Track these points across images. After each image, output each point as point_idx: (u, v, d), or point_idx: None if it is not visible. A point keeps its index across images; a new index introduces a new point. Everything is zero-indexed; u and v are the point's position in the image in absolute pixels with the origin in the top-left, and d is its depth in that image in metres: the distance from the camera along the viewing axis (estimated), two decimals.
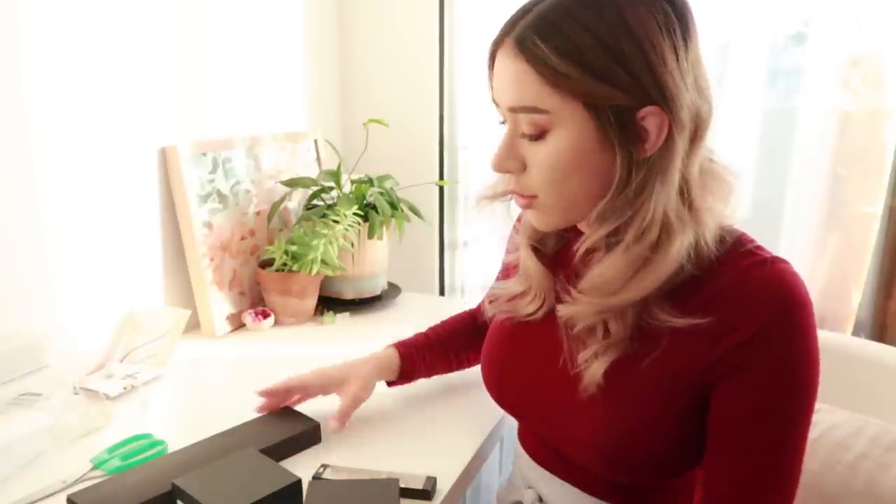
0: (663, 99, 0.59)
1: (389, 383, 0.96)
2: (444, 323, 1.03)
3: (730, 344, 0.61)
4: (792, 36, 1.31)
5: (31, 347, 1.03)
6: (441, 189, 1.66)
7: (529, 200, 0.67)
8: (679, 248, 0.61)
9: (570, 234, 0.75)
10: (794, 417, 0.61)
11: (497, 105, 0.66)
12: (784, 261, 0.62)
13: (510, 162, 0.66)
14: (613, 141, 0.60)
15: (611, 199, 0.62)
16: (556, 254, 0.76)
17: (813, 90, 1.29)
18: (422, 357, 0.97)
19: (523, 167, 0.66)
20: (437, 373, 1.00)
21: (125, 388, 1.00)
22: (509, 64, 0.62)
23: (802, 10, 1.28)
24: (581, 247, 0.66)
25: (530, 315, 0.75)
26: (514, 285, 0.78)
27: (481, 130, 1.61)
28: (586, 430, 0.67)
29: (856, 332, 1.33)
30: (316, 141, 1.59)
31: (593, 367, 0.65)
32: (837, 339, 1.07)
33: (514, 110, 0.63)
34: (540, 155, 0.63)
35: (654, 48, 0.58)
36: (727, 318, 0.60)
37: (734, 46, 1.33)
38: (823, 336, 1.10)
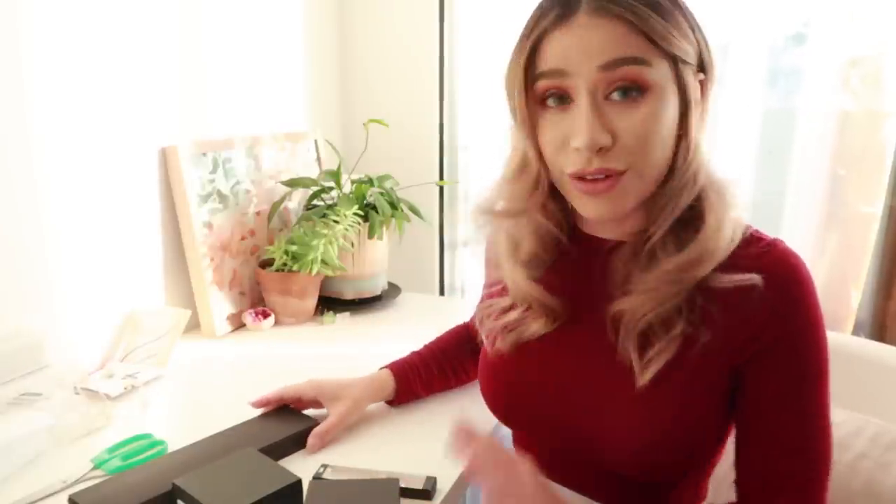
0: (711, 66, 0.63)
1: (389, 402, 0.96)
2: (438, 339, 1.02)
3: (755, 326, 0.62)
4: (792, 36, 1.31)
5: (31, 347, 1.03)
6: (441, 189, 1.66)
7: (612, 182, 0.61)
8: (739, 208, 0.64)
9: (563, 247, 0.73)
10: (817, 389, 0.63)
11: (561, 75, 0.61)
12: (781, 241, 0.65)
13: (603, 134, 0.59)
14: (691, 106, 0.62)
15: (682, 171, 0.63)
16: (563, 268, 0.73)
17: (812, 91, 1.29)
18: (417, 377, 0.96)
19: (612, 140, 0.60)
20: (435, 391, 0.99)
21: (125, 388, 1.00)
22: (600, 24, 0.59)
23: (802, 10, 1.28)
24: (654, 235, 0.64)
25: (542, 334, 0.72)
26: (509, 313, 0.74)
27: (481, 130, 1.62)
28: (628, 428, 0.65)
29: (856, 332, 1.33)
30: (316, 141, 1.59)
31: (652, 366, 0.63)
32: (837, 339, 1.06)
33: (613, 64, 0.58)
34: (636, 118, 0.60)
35: (693, 15, 0.62)
36: (749, 301, 0.61)
37: (734, 47, 1.33)
38: None
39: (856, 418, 0.90)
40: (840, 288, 1.31)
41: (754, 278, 0.60)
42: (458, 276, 1.74)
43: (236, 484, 0.67)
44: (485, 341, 0.77)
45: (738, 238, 0.63)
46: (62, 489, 0.76)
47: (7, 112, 0.97)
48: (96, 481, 0.75)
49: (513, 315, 0.73)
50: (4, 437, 0.80)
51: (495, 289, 0.78)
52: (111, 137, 1.12)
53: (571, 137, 0.61)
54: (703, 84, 0.64)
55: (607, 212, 0.64)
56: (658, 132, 0.61)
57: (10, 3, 0.95)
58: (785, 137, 1.33)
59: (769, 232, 0.66)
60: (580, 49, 0.59)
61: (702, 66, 0.63)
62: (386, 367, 0.97)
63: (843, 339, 1.09)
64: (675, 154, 0.63)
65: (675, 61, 0.60)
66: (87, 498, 0.71)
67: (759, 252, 0.63)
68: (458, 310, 1.07)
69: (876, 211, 1.26)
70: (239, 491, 0.66)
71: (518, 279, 0.72)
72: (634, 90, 0.59)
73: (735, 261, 0.62)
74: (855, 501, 0.84)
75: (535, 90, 0.63)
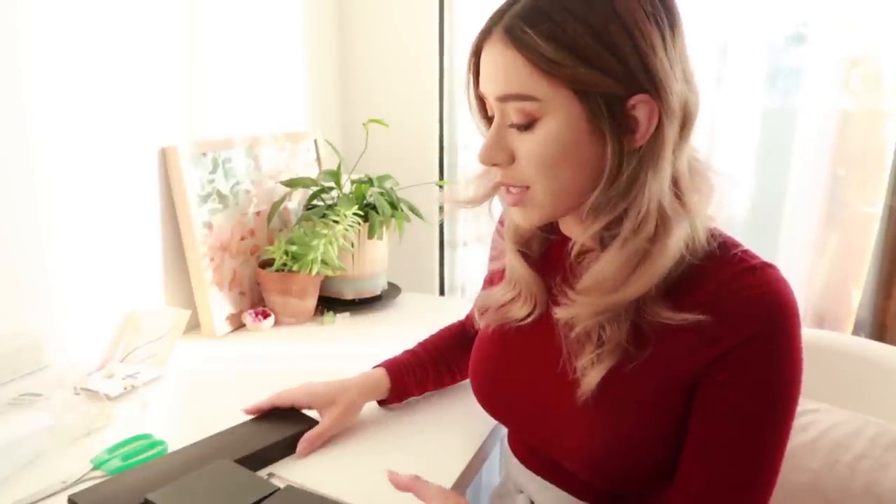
0: (653, 86, 0.59)
1: (381, 402, 0.95)
2: (433, 337, 1.01)
3: (719, 350, 0.61)
4: (791, 36, 1.31)
5: (31, 347, 1.03)
6: (441, 189, 1.66)
7: (520, 195, 0.66)
8: (677, 239, 0.61)
9: (555, 237, 0.75)
10: (775, 420, 0.61)
11: (484, 98, 0.66)
12: (773, 266, 0.62)
13: (498, 153, 0.65)
14: (604, 130, 0.60)
15: (603, 191, 0.62)
16: (544, 256, 0.76)
17: (812, 90, 1.29)
18: (412, 376, 0.95)
19: (511, 159, 0.65)
20: (428, 390, 0.99)
21: (125, 389, 1.00)
22: (498, 53, 0.61)
23: (801, 10, 1.28)
24: (576, 244, 0.66)
25: (522, 319, 0.74)
26: (502, 292, 0.77)
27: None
28: (578, 436, 0.67)
29: (856, 332, 1.33)
30: (316, 141, 1.59)
31: (591, 374, 0.64)
32: (837, 339, 1.07)
33: (503, 99, 0.62)
34: (528, 144, 0.63)
35: (643, 36, 0.58)
36: (717, 324, 0.60)
37: (733, 47, 1.33)
38: (823, 336, 1.10)
39: (856, 418, 0.90)
40: (840, 288, 1.31)
41: (700, 319, 0.59)
42: (459, 276, 1.74)
43: (212, 497, 0.66)
44: (479, 322, 0.81)
45: (664, 269, 0.61)
46: (62, 489, 0.76)
47: (7, 112, 0.97)
48: (96, 481, 0.75)
49: (505, 298, 0.77)
50: (4, 437, 0.80)
51: (497, 263, 0.80)
52: (111, 137, 1.12)
53: None
54: (654, 107, 0.59)
55: (523, 221, 0.68)
56: (554, 157, 0.62)
57: (10, 4, 0.95)
58: (785, 137, 1.33)
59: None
60: (487, 77, 0.64)
61: (641, 88, 0.59)
62: (380, 365, 0.96)
63: (843, 339, 1.09)
64: (618, 167, 0.61)
65: (575, 92, 0.59)
66: (87, 498, 0.71)
67: (741, 271, 0.61)
68: (459, 310, 1.07)
69: (876, 211, 1.26)
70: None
71: (511, 257, 0.76)
72: (523, 123, 0.62)
73: (712, 277, 0.61)
74: (855, 501, 0.84)
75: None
